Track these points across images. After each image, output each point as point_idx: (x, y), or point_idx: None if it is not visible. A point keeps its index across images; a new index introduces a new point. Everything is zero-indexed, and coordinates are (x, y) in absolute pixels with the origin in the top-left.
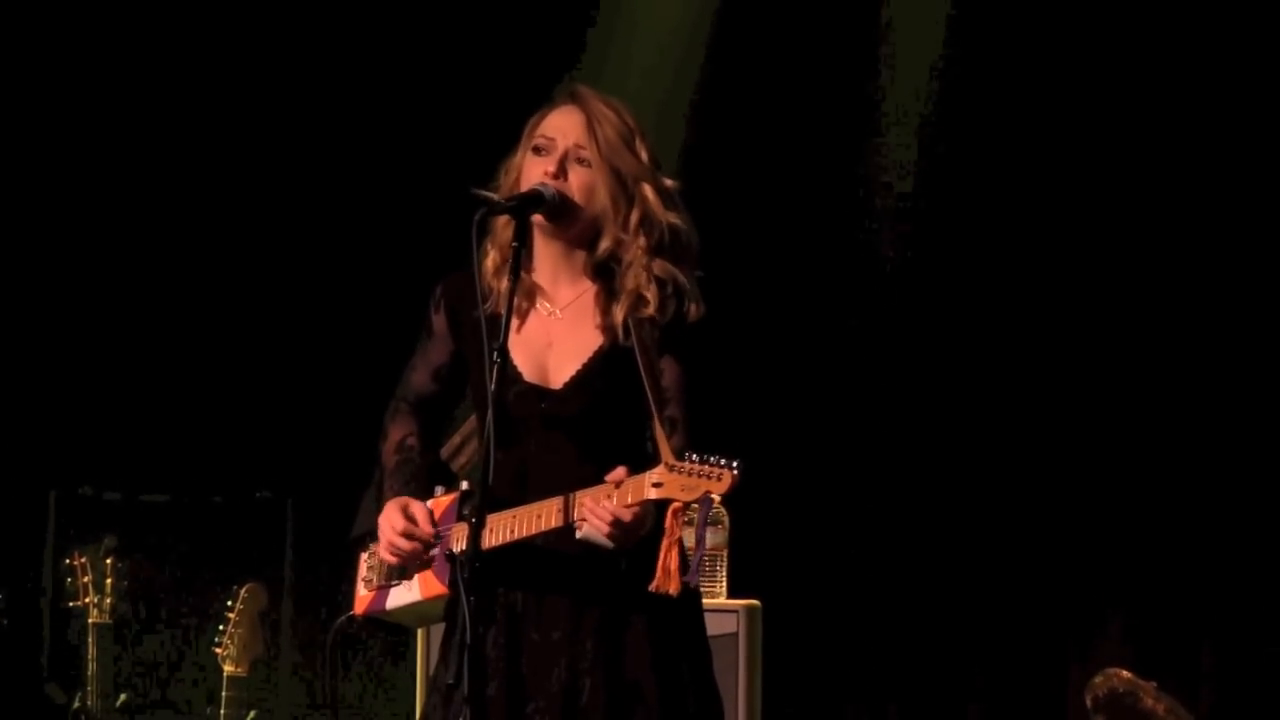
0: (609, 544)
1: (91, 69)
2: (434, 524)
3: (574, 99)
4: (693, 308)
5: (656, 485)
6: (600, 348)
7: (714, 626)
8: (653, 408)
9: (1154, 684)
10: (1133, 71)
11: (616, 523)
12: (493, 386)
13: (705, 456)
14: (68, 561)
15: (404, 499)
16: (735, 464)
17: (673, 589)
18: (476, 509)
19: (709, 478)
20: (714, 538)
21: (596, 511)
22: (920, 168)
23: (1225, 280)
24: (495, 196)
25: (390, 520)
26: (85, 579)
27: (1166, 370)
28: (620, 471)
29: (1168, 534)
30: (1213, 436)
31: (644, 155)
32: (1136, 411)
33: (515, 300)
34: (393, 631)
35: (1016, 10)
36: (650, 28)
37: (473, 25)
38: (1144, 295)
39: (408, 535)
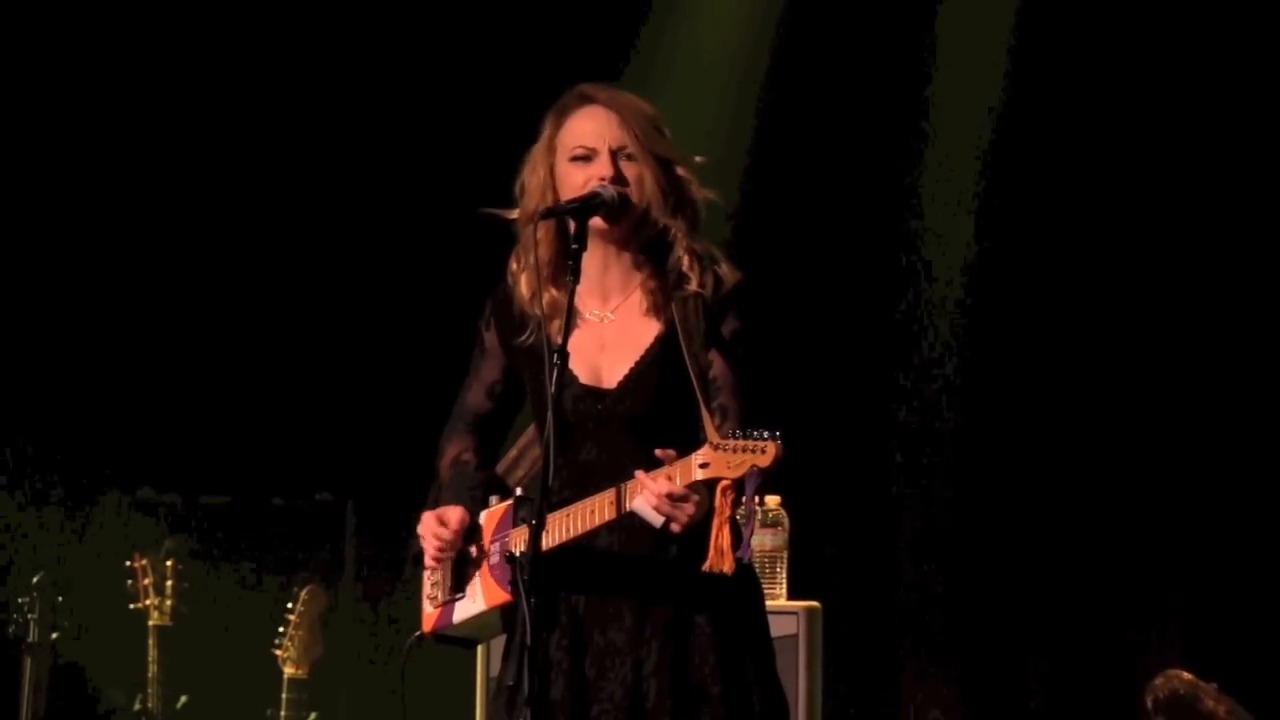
0: (657, 518)
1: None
2: (476, 529)
3: (592, 101)
4: (728, 276)
5: (703, 466)
6: (653, 342)
7: (774, 628)
8: (697, 393)
9: (1215, 685)
10: (1183, 89)
11: (662, 494)
12: (553, 389)
13: (748, 431)
14: (129, 564)
15: (442, 508)
16: (777, 434)
17: (726, 567)
18: (536, 511)
19: (753, 452)
20: (774, 539)
21: (648, 484)
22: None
23: None
24: (506, 214)
25: (426, 527)
26: (146, 581)
27: (1229, 364)
28: (670, 452)
29: (1232, 532)
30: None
31: (669, 136)
32: (1197, 407)
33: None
34: (463, 646)
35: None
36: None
37: (518, 38)
38: (1217, 298)
39: (438, 538)
